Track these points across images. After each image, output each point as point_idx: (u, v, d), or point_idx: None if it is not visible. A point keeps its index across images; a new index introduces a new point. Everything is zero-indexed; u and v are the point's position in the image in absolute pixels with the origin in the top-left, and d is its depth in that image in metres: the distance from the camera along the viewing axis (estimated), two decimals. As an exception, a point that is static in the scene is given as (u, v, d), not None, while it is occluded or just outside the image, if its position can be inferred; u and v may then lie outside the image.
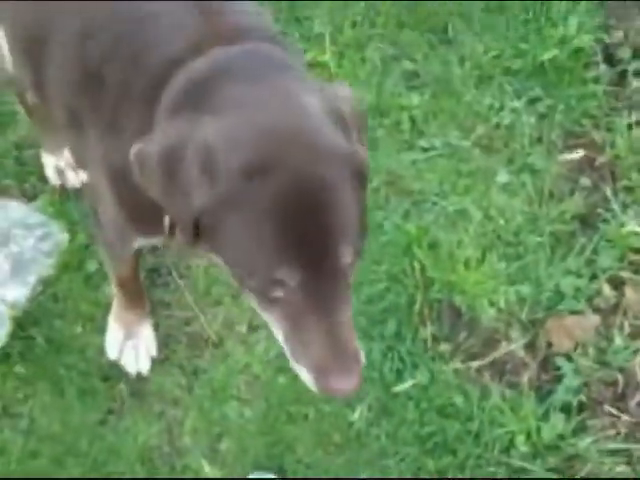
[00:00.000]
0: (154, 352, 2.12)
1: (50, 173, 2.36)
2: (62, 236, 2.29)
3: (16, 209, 2.33)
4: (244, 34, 1.42)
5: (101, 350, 2.13)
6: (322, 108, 1.28)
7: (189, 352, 2.15)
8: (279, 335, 1.28)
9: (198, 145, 1.23)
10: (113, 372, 2.12)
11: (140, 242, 1.71)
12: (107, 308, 2.17)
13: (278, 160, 1.20)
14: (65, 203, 2.34)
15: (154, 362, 2.13)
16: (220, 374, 2.12)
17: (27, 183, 2.39)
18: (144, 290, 2.10)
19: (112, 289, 2.08)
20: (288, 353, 1.28)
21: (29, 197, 2.37)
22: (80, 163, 1.78)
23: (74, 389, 2.09)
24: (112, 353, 2.12)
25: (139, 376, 2.11)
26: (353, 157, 1.25)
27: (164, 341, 2.16)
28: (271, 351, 2.13)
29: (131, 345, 2.11)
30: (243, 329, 2.17)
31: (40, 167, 2.39)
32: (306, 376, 1.27)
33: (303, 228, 1.18)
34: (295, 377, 2.03)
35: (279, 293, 1.22)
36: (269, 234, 1.19)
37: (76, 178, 2.34)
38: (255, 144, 1.21)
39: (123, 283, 2.01)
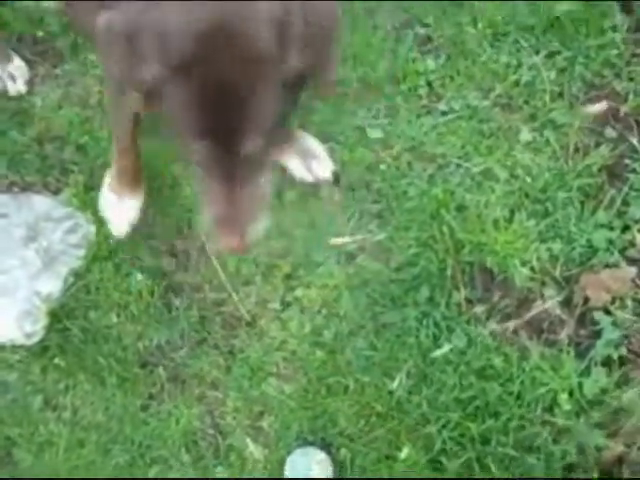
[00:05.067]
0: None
1: None
2: (89, 227, 2.29)
3: (41, 203, 2.33)
4: None
5: (138, 337, 2.15)
6: (268, 13, 1.37)
7: (224, 333, 2.16)
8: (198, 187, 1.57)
9: (147, 28, 1.38)
10: (151, 358, 2.13)
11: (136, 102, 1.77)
12: (139, 296, 2.18)
13: (200, 59, 1.35)
14: (89, 195, 2.34)
15: (191, 345, 2.14)
16: (257, 352, 2.13)
17: (50, 177, 2.38)
18: (142, 169, 2.19)
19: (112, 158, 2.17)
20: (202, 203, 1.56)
21: (53, 191, 2.37)
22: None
23: (114, 377, 2.10)
24: (103, 209, 2.23)
25: (177, 360, 2.12)
26: (275, 63, 1.39)
27: (199, 323, 2.16)
28: (306, 326, 2.14)
29: (121, 208, 2.23)
30: (276, 306, 2.17)
31: (62, 160, 2.39)
32: (209, 224, 1.56)
33: (214, 118, 1.40)
34: (333, 350, 2.09)
35: (199, 158, 1.48)
36: (187, 117, 1.42)
37: (14, 87, 2.45)
38: (184, 39, 1.35)
39: (122, 152, 2.11)
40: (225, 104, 1.39)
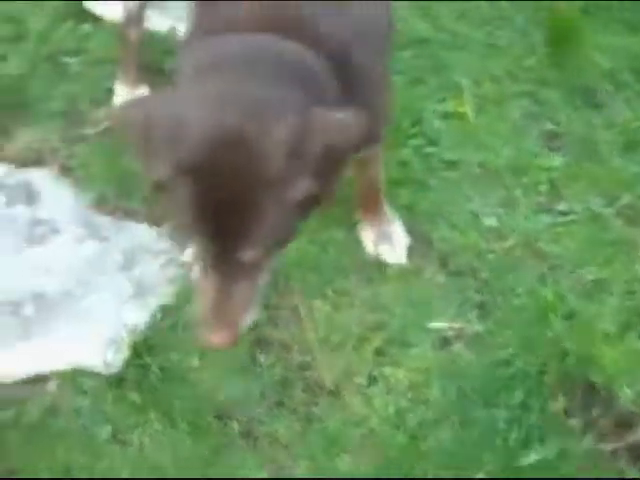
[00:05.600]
0: None
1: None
2: (185, 264, 2.25)
3: (142, 233, 2.31)
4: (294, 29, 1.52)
5: (217, 386, 2.08)
6: (285, 134, 1.38)
7: (305, 397, 2.08)
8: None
9: (163, 125, 1.41)
10: (226, 410, 2.05)
11: None
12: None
13: (208, 166, 1.37)
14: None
15: (269, 404, 2.06)
16: (335, 424, 2.04)
17: (156, 208, 2.35)
18: None
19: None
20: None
21: (155, 222, 2.34)
22: None
23: (186, 422, 2.02)
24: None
25: (252, 417, 2.05)
26: (283, 184, 1.39)
27: (281, 384, 2.09)
28: (390, 406, 2.05)
29: None
30: (362, 380, 2.09)
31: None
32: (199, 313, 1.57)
33: (214, 224, 1.41)
34: (414, 436, 2.00)
35: (197, 252, 1.52)
36: (189, 217, 1.42)
37: None
38: (197, 145, 1.38)
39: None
40: (227, 214, 1.40)
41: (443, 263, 2.25)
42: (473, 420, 2.01)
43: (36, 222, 2.29)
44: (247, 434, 2.03)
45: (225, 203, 1.39)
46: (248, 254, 1.45)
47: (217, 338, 1.55)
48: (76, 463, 2.00)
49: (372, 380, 2.09)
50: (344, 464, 1.99)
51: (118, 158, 2.42)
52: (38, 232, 2.27)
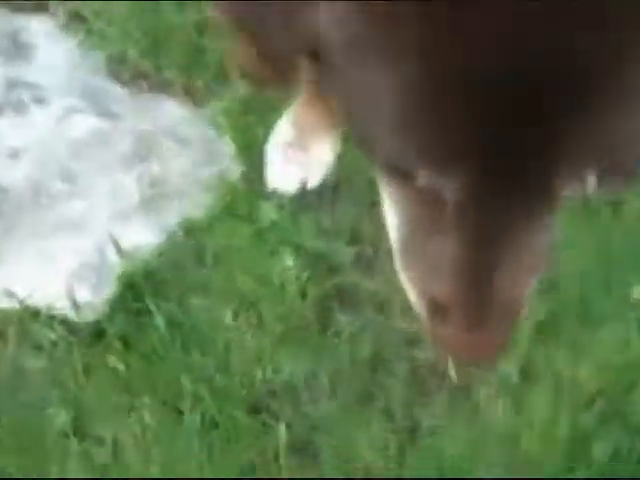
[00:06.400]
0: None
1: None
2: (230, 163, 1.42)
3: (174, 112, 1.48)
4: None
5: (259, 358, 1.24)
6: None
7: (407, 394, 1.24)
8: (392, 230, 0.76)
9: None
10: (270, 402, 1.21)
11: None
12: (280, 290, 1.27)
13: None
14: (249, 117, 1.46)
15: (345, 398, 1.21)
16: (455, 444, 1.20)
17: (199, 80, 1.52)
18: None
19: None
20: (397, 261, 0.76)
21: (196, 100, 1.51)
22: None
23: (199, 415, 1.19)
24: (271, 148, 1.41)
25: (313, 418, 1.19)
26: None
27: (369, 365, 1.24)
28: (559, 425, 1.17)
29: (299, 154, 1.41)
30: (511, 374, 1.22)
31: (222, 61, 1.54)
32: (415, 303, 0.76)
33: (506, 119, 0.61)
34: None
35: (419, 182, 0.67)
36: (423, 128, 0.62)
37: None
38: None
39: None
40: (527, 105, 0.63)
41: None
42: None
43: (14, 83, 1.50)
44: (300, 449, 1.19)
45: (517, 85, 0.63)
46: (567, 186, 0.67)
47: (477, 353, 0.77)
48: (11, 466, 1.18)
49: (527, 376, 1.23)
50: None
51: (156, 7, 1.61)
52: (13, 97, 1.48)
